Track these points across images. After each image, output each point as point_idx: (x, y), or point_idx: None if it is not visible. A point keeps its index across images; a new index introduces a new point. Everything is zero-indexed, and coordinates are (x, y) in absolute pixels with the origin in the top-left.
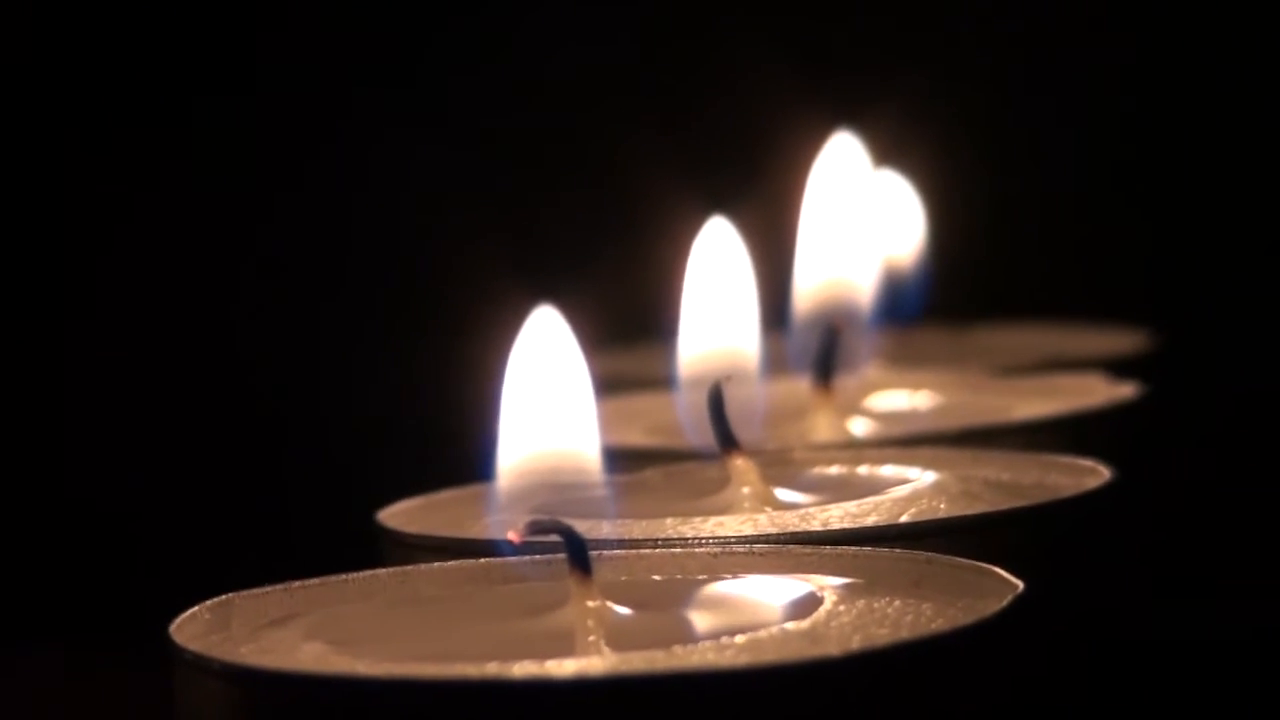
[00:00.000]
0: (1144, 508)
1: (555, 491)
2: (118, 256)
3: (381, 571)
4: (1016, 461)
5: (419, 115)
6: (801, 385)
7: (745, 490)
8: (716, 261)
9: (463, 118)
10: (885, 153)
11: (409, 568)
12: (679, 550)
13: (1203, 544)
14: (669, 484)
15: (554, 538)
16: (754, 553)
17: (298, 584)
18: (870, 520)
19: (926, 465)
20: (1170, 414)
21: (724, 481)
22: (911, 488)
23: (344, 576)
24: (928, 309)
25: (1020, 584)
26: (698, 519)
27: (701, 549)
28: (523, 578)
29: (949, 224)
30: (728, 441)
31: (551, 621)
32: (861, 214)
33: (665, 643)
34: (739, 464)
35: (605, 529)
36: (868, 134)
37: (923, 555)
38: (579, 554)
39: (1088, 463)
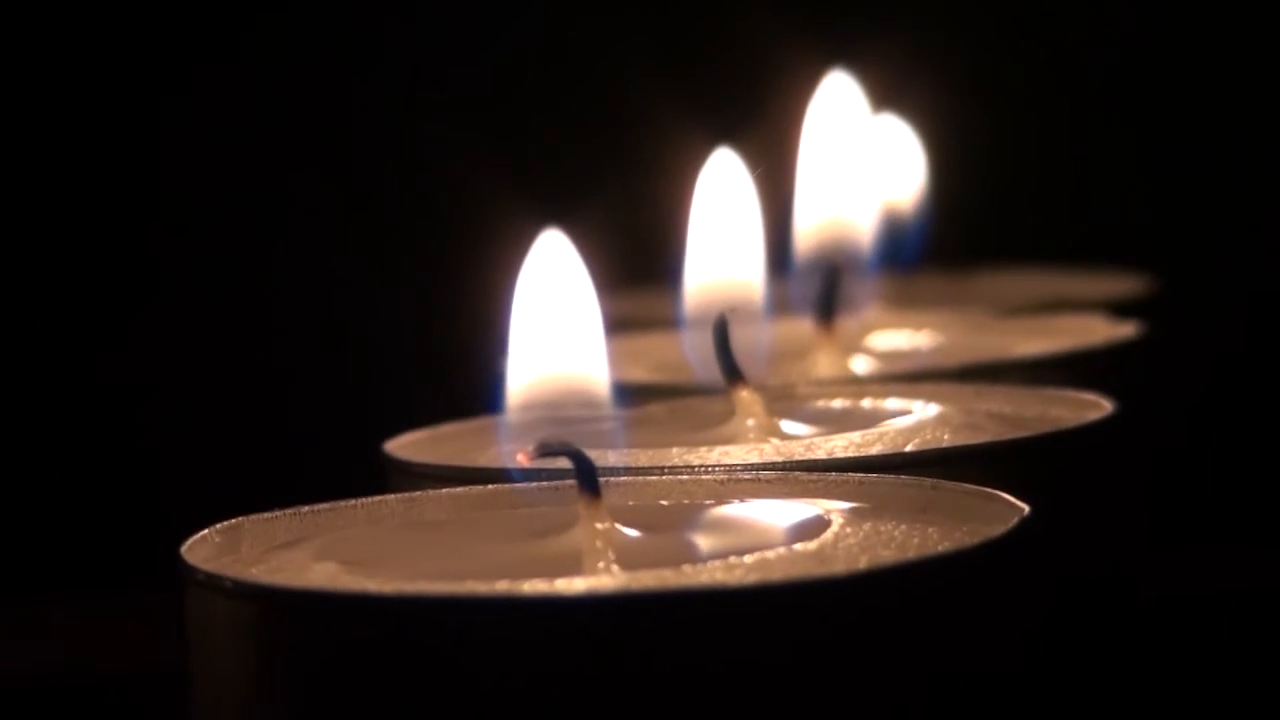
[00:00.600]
0: (1144, 445)
1: (563, 423)
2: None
3: (390, 497)
4: (1019, 396)
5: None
6: (804, 325)
7: (750, 422)
8: (722, 195)
9: (465, 49)
10: (884, 96)
11: (417, 493)
12: (685, 478)
13: (1200, 486)
14: (674, 417)
15: (562, 462)
16: (760, 479)
17: (306, 509)
18: (875, 449)
19: (929, 399)
20: (1170, 355)
21: (729, 414)
22: (915, 419)
23: (352, 502)
24: (928, 254)
25: (1026, 508)
26: (703, 449)
27: (708, 476)
28: (531, 503)
29: (949, 168)
30: (733, 374)
31: (561, 543)
32: (860, 155)
33: (674, 563)
34: (744, 396)
35: (612, 458)
36: (865, 76)
37: (928, 481)
38: (588, 476)
39: (1090, 396)
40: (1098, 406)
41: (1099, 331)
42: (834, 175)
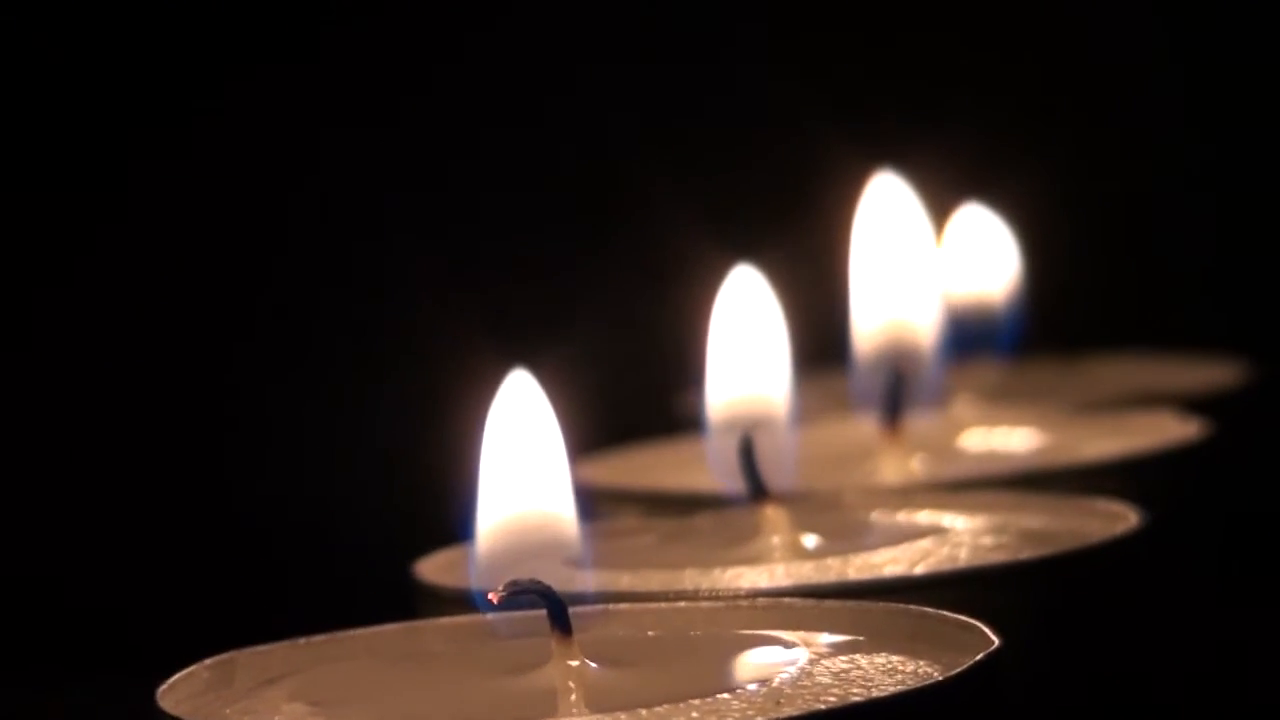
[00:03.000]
0: (1179, 559)
1: (538, 553)
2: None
3: (390, 627)
4: (1060, 506)
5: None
6: (869, 428)
7: (775, 539)
8: (743, 309)
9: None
10: (972, 186)
11: (418, 623)
12: (667, 605)
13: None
14: (711, 530)
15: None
16: (755, 606)
17: (303, 640)
18: (884, 572)
19: (970, 510)
20: (1244, 454)
21: (755, 531)
22: (940, 536)
23: (352, 632)
24: (1036, 340)
25: (996, 641)
26: (718, 569)
27: (697, 604)
28: (523, 633)
29: (1042, 257)
30: (758, 490)
31: (534, 680)
32: (915, 252)
33: (640, 704)
34: (769, 513)
35: (609, 582)
36: (923, 174)
37: (916, 609)
38: (559, 614)
39: (1121, 509)
40: (1125, 520)
41: (1169, 430)
42: (891, 274)
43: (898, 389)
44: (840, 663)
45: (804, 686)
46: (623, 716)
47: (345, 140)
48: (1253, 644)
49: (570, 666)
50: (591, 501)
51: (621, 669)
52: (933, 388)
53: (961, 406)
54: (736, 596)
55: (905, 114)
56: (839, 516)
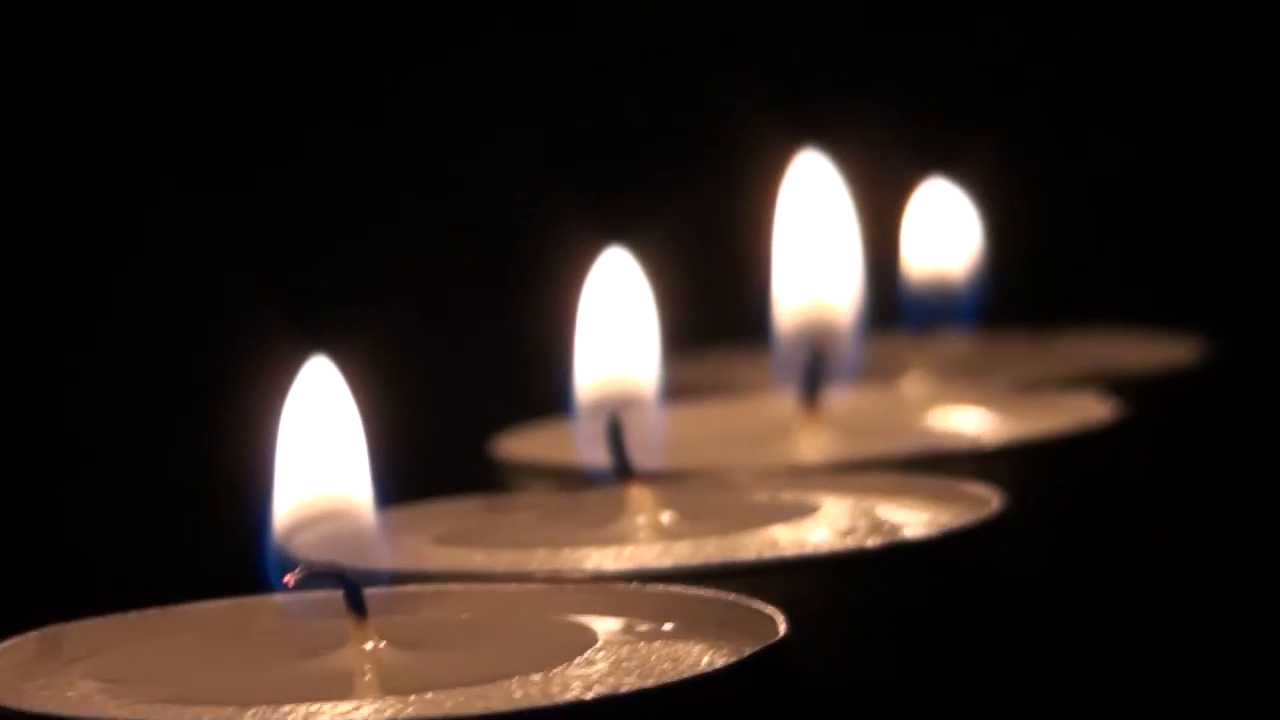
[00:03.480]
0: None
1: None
2: None
3: (218, 603)
4: (938, 490)
5: None
6: (789, 404)
7: (639, 520)
8: (613, 292)
9: None
10: (937, 160)
11: (248, 599)
12: (492, 587)
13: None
14: (582, 509)
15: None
16: (580, 590)
17: (133, 614)
18: (739, 555)
19: (850, 493)
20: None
21: (621, 510)
22: (805, 520)
23: (184, 607)
24: (1001, 315)
25: (782, 631)
26: (569, 549)
27: (506, 587)
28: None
29: (1008, 231)
30: (624, 470)
31: (330, 663)
32: (836, 233)
33: (425, 688)
34: (635, 493)
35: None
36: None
37: (726, 597)
38: (354, 597)
39: (986, 493)
40: (986, 506)
41: (1090, 413)
42: (812, 255)
43: (816, 367)
44: (631, 649)
45: (581, 675)
46: (391, 700)
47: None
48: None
49: (364, 650)
50: (507, 475)
51: (416, 652)
52: (850, 365)
53: (913, 382)
54: (553, 579)
55: (837, 86)
56: (710, 498)
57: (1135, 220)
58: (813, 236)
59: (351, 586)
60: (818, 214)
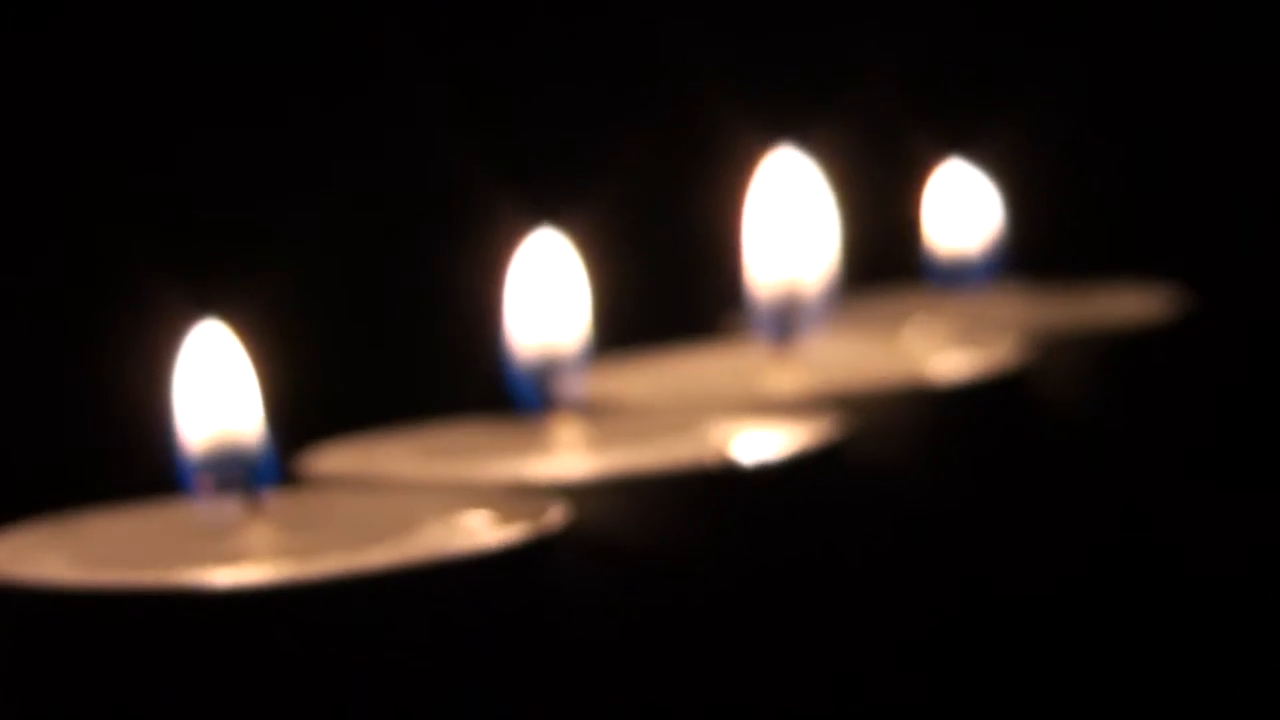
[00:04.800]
0: None
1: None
2: None
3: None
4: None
5: None
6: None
7: (564, 446)
8: (543, 270)
9: None
10: (953, 142)
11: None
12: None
13: None
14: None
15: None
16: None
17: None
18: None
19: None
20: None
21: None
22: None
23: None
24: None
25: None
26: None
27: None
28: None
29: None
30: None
31: (230, 540)
32: (808, 220)
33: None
34: (559, 424)
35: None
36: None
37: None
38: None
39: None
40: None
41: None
42: (782, 237)
43: (785, 316)
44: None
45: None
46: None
47: None
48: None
49: (261, 530)
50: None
51: (301, 532)
52: (816, 314)
53: (910, 331)
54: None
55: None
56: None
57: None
58: (786, 221)
59: (248, 484)
60: (792, 200)
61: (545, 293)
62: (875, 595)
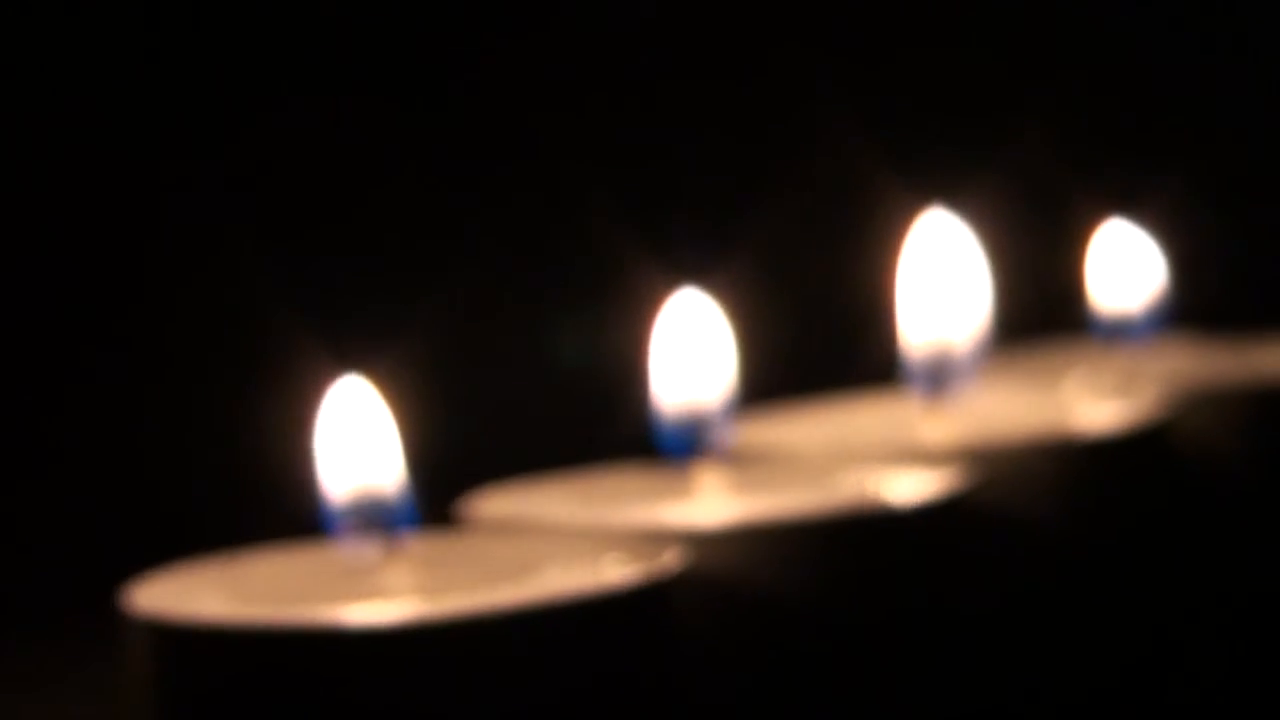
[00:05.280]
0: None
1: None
2: None
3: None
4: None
5: None
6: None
7: (708, 493)
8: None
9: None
10: (1119, 202)
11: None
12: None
13: None
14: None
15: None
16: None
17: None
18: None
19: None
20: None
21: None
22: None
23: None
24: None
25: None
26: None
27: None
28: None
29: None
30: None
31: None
32: (960, 281)
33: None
34: (705, 472)
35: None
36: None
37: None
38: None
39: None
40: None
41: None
42: (937, 301)
43: (938, 371)
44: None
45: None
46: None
47: None
48: None
49: (399, 570)
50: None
51: (435, 571)
52: (968, 369)
53: (1067, 386)
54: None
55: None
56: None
57: None
58: (939, 283)
59: (387, 527)
60: (944, 262)
61: (690, 348)
62: (1011, 646)
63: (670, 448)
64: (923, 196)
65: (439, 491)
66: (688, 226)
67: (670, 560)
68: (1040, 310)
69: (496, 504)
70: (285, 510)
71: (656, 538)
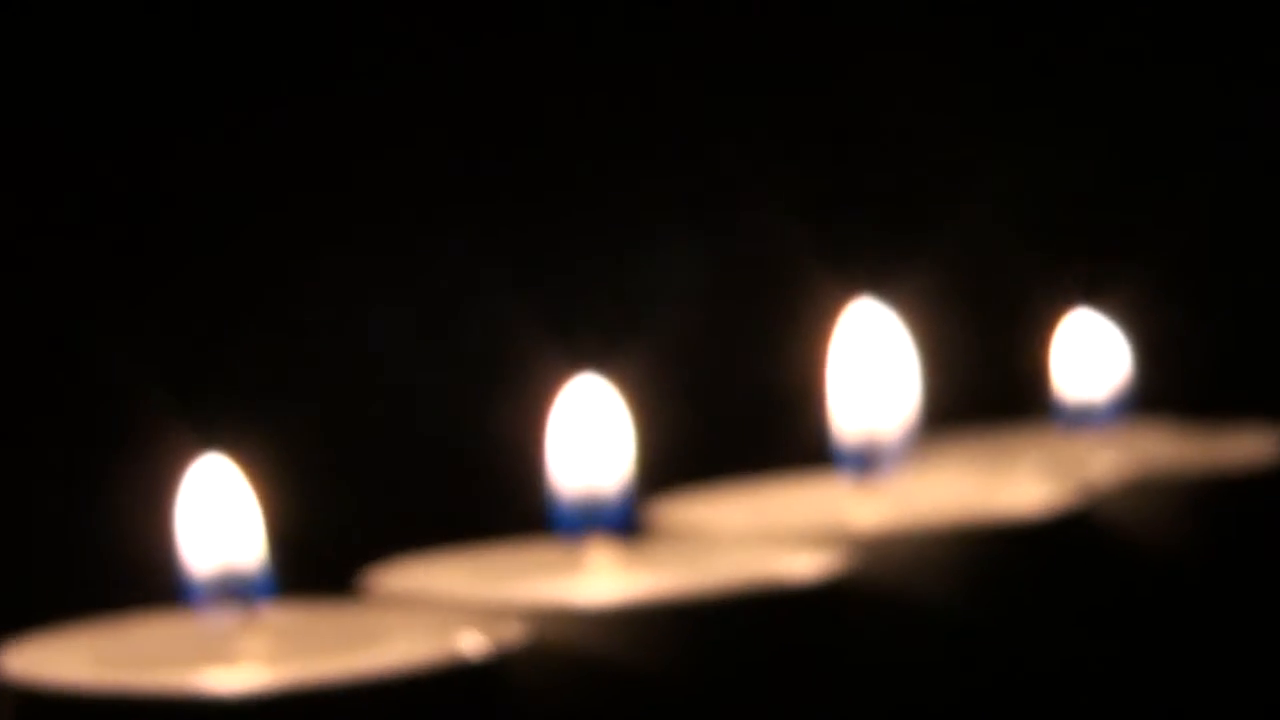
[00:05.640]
0: None
1: None
2: None
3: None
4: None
5: None
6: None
7: (595, 572)
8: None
9: None
10: (1085, 293)
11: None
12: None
13: None
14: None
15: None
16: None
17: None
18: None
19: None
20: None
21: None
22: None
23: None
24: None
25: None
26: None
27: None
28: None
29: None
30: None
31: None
32: (887, 370)
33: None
34: (596, 549)
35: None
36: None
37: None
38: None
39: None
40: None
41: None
42: (863, 387)
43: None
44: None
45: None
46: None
47: None
48: None
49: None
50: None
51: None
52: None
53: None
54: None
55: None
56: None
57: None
58: (868, 371)
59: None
60: (874, 351)
61: (589, 430)
62: None
63: (565, 525)
64: (853, 285)
65: (343, 565)
66: (590, 317)
67: (514, 636)
68: (1002, 395)
69: (395, 577)
70: (152, 580)
71: (491, 614)
